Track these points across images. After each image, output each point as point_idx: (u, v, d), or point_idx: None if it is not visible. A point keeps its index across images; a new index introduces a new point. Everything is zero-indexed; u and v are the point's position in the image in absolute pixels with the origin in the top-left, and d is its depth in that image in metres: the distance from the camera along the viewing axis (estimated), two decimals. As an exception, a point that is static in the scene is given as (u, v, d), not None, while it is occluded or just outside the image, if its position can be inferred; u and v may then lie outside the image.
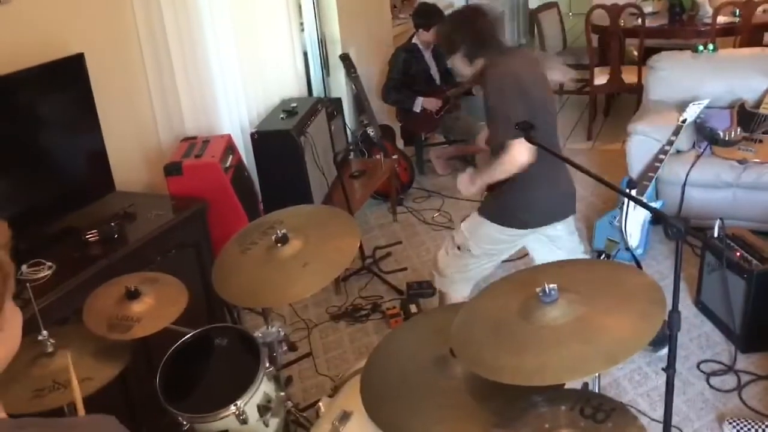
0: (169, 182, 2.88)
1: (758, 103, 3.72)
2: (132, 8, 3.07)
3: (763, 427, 2.37)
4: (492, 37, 2.42)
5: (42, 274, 2.13)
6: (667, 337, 1.63)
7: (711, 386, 2.66)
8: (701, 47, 4.08)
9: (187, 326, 2.02)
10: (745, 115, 3.69)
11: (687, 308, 3.11)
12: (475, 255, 2.57)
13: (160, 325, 1.82)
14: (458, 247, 2.61)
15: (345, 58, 4.50)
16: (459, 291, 2.68)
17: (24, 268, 2.14)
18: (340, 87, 4.69)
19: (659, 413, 2.50)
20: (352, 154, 4.47)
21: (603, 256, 3.48)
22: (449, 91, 4.80)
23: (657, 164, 3.51)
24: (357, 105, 4.74)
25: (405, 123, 4.98)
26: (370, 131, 4.43)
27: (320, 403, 1.92)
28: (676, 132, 3.55)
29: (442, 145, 5.17)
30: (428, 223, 4.28)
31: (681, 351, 2.85)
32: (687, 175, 3.56)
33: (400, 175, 4.58)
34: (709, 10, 5.28)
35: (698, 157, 3.63)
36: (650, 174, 3.50)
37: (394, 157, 4.50)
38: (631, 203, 3.46)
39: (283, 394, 2.06)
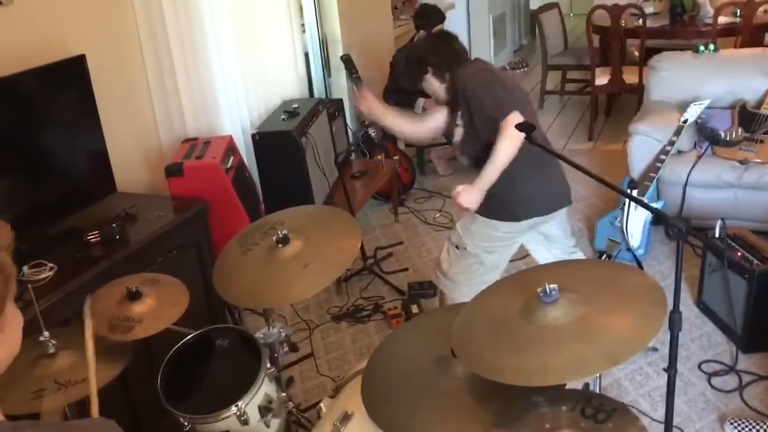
0: (170, 183, 2.89)
1: (759, 104, 3.72)
2: (133, 9, 3.07)
3: (765, 427, 2.37)
4: (457, 53, 2.54)
5: (43, 275, 2.14)
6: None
7: (712, 386, 2.65)
8: (702, 48, 4.08)
9: (188, 327, 2.02)
10: (746, 116, 3.69)
11: (688, 308, 3.11)
12: (472, 253, 2.56)
13: (161, 325, 1.82)
14: (456, 247, 2.61)
15: (346, 59, 4.50)
16: (464, 294, 2.62)
17: (25, 269, 2.15)
18: (342, 88, 4.69)
19: (660, 414, 2.50)
20: (353, 154, 4.47)
21: (604, 256, 3.48)
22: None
23: (658, 164, 3.51)
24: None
25: (406, 124, 4.97)
26: (372, 132, 4.42)
27: (321, 404, 1.92)
28: (678, 132, 3.55)
29: (444, 145, 5.16)
30: (430, 224, 4.28)
31: (682, 351, 2.85)
32: (688, 175, 3.56)
33: (402, 175, 4.58)
34: (710, 11, 5.27)
35: (699, 157, 3.63)
36: (651, 174, 3.50)
37: (396, 157, 4.50)
38: (633, 204, 3.46)
39: (284, 394, 2.06)
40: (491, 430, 1.45)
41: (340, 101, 4.35)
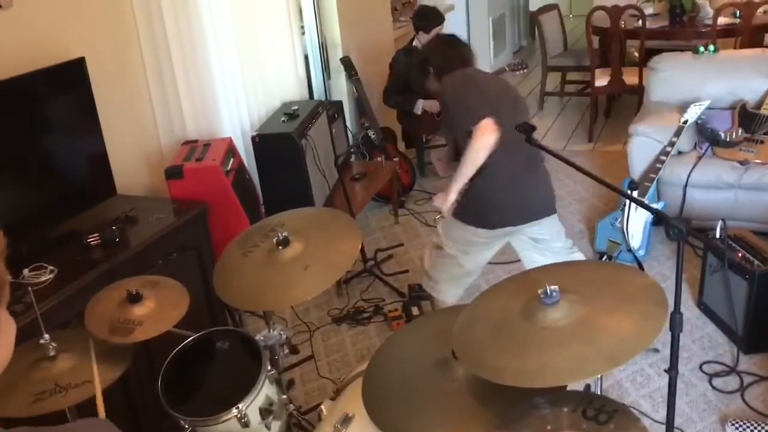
0: (170, 185, 2.89)
1: (759, 104, 3.72)
2: (132, 12, 3.07)
3: (766, 428, 2.37)
4: (458, 58, 2.55)
5: (44, 278, 2.13)
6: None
7: (713, 387, 2.65)
8: (702, 48, 4.08)
9: (188, 329, 2.01)
10: (747, 116, 3.69)
11: (689, 309, 3.11)
12: (450, 254, 2.60)
13: (161, 328, 1.82)
14: (437, 247, 2.68)
15: (346, 61, 4.51)
16: (444, 293, 2.69)
17: (25, 271, 2.14)
18: (341, 90, 4.69)
19: (662, 415, 2.50)
20: (353, 156, 4.47)
21: (605, 257, 3.48)
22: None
23: (658, 165, 3.51)
24: (358, 108, 4.74)
25: (406, 125, 4.99)
26: (371, 134, 4.44)
27: (322, 406, 1.92)
28: (678, 133, 3.55)
29: (443, 147, 5.16)
30: (430, 226, 4.27)
31: (683, 352, 2.84)
32: (688, 176, 3.56)
33: (402, 177, 4.59)
34: (710, 12, 5.28)
35: (699, 158, 3.63)
36: (651, 175, 3.50)
37: (396, 159, 4.50)
38: (633, 205, 3.46)
39: (285, 397, 2.05)
40: (492, 432, 1.45)
41: (339, 103, 4.36)
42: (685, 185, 3.58)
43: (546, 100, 6.32)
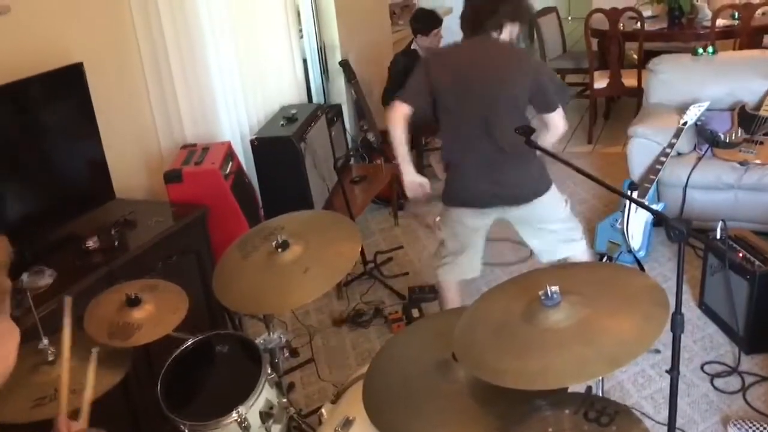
0: (169, 189, 2.88)
1: (758, 105, 3.72)
2: (131, 15, 3.08)
3: (769, 429, 2.36)
4: (466, 23, 2.58)
5: (43, 282, 2.13)
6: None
7: (715, 388, 2.64)
8: (701, 50, 4.08)
9: (188, 333, 2.01)
10: (746, 117, 3.69)
11: (690, 310, 3.10)
12: (444, 236, 2.75)
13: (161, 332, 1.81)
14: (438, 229, 2.84)
15: (344, 65, 4.51)
16: (444, 273, 2.78)
17: (25, 276, 2.14)
18: (340, 93, 4.70)
19: (663, 416, 2.49)
20: (352, 159, 4.47)
21: (605, 258, 3.48)
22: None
23: (658, 167, 3.51)
24: (357, 111, 4.74)
25: (405, 128, 4.97)
26: (371, 137, 4.44)
27: (323, 410, 1.91)
28: (677, 134, 3.55)
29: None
30: (429, 228, 4.27)
31: (685, 353, 2.84)
32: (688, 177, 3.56)
33: (401, 179, 4.57)
34: (708, 13, 5.28)
35: (699, 159, 3.63)
36: (651, 176, 3.50)
37: (395, 161, 4.49)
38: (633, 206, 3.46)
39: (285, 400, 2.05)
40: (494, 434, 1.44)
41: (338, 106, 4.36)
42: (685, 186, 3.58)
43: (545, 102, 6.31)
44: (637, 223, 3.46)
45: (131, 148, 3.10)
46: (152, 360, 2.27)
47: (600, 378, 1.71)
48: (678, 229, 1.53)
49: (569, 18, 9.94)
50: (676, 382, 1.66)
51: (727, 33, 5.13)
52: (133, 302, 1.84)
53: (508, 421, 1.46)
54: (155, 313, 1.85)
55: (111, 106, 2.88)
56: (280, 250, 1.95)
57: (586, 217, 4.03)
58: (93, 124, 2.61)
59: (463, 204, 2.63)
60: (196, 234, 2.72)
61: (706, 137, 3.70)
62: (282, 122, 3.62)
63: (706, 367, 2.76)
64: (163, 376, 1.93)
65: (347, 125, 4.55)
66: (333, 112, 4.16)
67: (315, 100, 4.53)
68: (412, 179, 2.71)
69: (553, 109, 2.48)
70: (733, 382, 2.66)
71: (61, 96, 2.51)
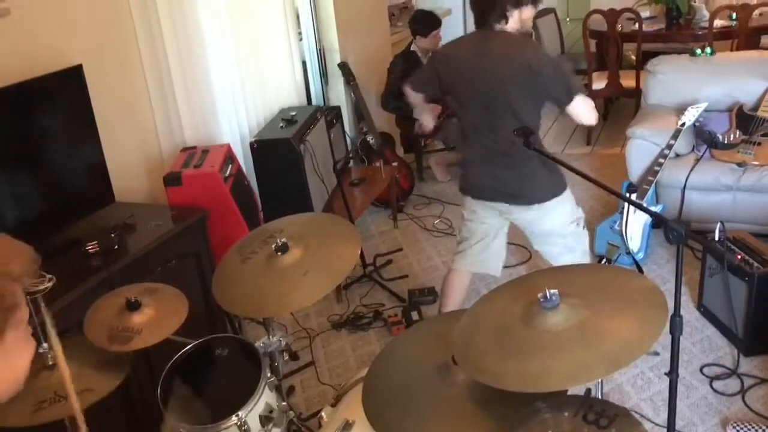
0: (168, 192, 2.88)
1: (756, 106, 3.73)
2: (131, 18, 3.08)
3: (767, 430, 2.36)
4: (473, 16, 2.53)
5: (42, 287, 2.12)
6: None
7: (714, 390, 2.65)
8: (699, 51, 4.09)
9: (188, 337, 2.01)
10: (744, 118, 3.69)
11: (689, 312, 3.11)
12: (462, 224, 2.82)
13: (160, 336, 1.82)
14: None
15: (343, 67, 4.52)
16: (457, 261, 2.83)
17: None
18: (339, 95, 4.70)
19: (663, 418, 2.49)
20: (351, 161, 4.47)
21: (604, 260, 3.48)
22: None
23: (656, 168, 3.51)
24: (356, 113, 4.74)
25: (405, 130, 4.99)
26: (370, 139, 4.44)
27: (322, 413, 1.92)
28: (675, 136, 3.55)
29: (442, 151, 5.17)
30: (429, 230, 4.28)
31: (684, 355, 2.84)
32: (687, 178, 3.56)
33: (400, 182, 4.58)
34: (706, 14, 5.29)
35: (698, 160, 3.63)
36: (650, 178, 3.50)
37: (394, 164, 4.50)
38: (632, 207, 3.46)
39: (285, 404, 2.05)
40: (493, 437, 1.44)
41: (338, 108, 4.36)
42: (684, 188, 3.58)
43: (544, 103, 6.32)
44: (636, 224, 3.47)
45: (131, 151, 3.11)
46: (152, 364, 2.27)
47: (599, 380, 1.71)
48: (676, 230, 1.54)
49: (567, 19, 9.95)
50: (675, 385, 1.67)
51: (724, 34, 5.14)
52: (133, 306, 1.85)
53: (507, 423, 1.46)
54: (155, 316, 1.85)
55: (111, 108, 2.88)
56: (279, 253, 1.95)
57: (586, 219, 4.03)
58: (92, 127, 2.61)
59: (470, 194, 2.70)
60: (195, 237, 2.72)
61: (704, 138, 3.71)
62: (281, 124, 3.62)
63: (705, 370, 2.76)
64: (163, 380, 1.93)
65: (346, 127, 4.56)
66: (332, 115, 4.16)
67: (314, 102, 4.53)
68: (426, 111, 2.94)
69: (565, 102, 2.43)
70: (732, 385, 2.66)
71: (60, 98, 2.51)
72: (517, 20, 2.47)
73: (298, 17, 4.30)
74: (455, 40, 2.73)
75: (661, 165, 3.51)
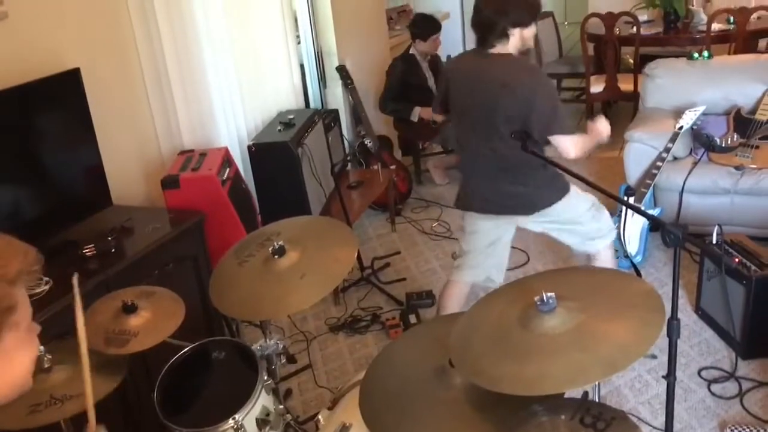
0: (166, 196, 2.88)
1: (754, 110, 3.73)
2: (130, 20, 3.08)
3: (766, 434, 2.36)
4: (476, 32, 2.52)
5: (39, 290, 2.12)
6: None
7: (712, 393, 2.64)
8: (696, 54, 4.09)
9: (186, 340, 2.00)
10: (742, 122, 3.70)
11: (687, 315, 3.11)
12: (462, 239, 2.78)
13: (157, 339, 1.81)
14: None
15: (341, 70, 4.52)
16: (455, 272, 2.81)
17: (20, 283, 2.13)
18: (337, 98, 4.70)
19: (660, 421, 2.49)
20: (349, 164, 4.48)
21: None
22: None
23: (654, 171, 3.51)
24: (354, 116, 4.75)
25: (402, 133, 4.99)
26: (368, 142, 4.44)
27: (319, 416, 1.91)
28: (673, 139, 3.55)
29: (440, 154, 5.17)
30: (427, 233, 4.28)
31: (681, 358, 2.84)
32: (684, 181, 3.56)
33: (398, 185, 4.59)
34: (704, 18, 5.30)
35: (695, 163, 3.64)
36: (648, 181, 3.51)
37: (392, 167, 4.51)
38: (629, 211, 3.46)
39: (282, 407, 2.04)
40: (490, 441, 1.44)
41: (335, 112, 4.36)
42: (681, 191, 3.58)
43: (542, 107, 6.32)
44: (634, 228, 3.47)
45: (129, 155, 3.10)
46: (149, 367, 2.26)
47: (596, 383, 1.71)
48: (674, 234, 1.54)
49: (565, 23, 9.93)
50: (673, 388, 1.67)
51: (722, 37, 5.15)
52: (130, 309, 1.84)
53: (504, 426, 1.46)
54: (152, 319, 1.85)
55: (109, 112, 2.87)
56: (276, 256, 1.95)
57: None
58: (90, 130, 2.61)
59: (472, 209, 2.68)
60: (193, 240, 2.72)
61: (702, 142, 3.71)
62: (279, 128, 3.62)
63: (703, 373, 2.76)
64: (159, 383, 1.93)
65: (344, 130, 4.56)
66: (330, 118, 4.16)
67: (312, 105, 4.54)
68: None
69: (548, 133, 2.39)
70: (730, 388, 2.66)
71: (58, 102, 2.51)
72: (518, 39, 2.47)
73: (296, 20, 4.31)
74: (461, 55, 2.78)
75: (658, 168, 3.51)
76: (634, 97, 4.96)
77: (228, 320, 2.91)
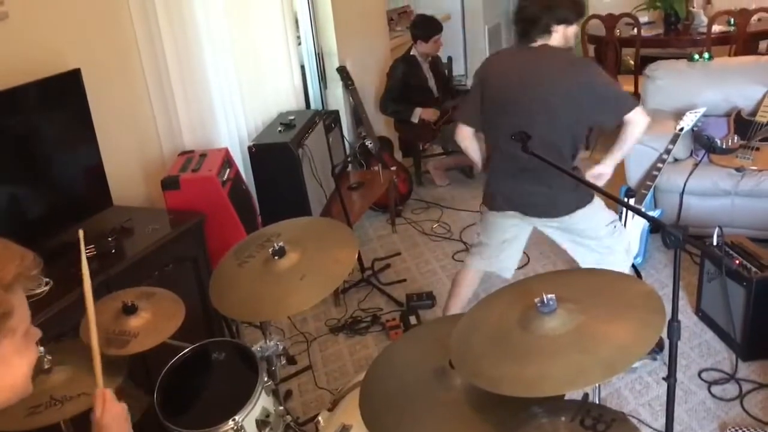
0: (166, 196, 2.88)
1: (755, 111, 3.73)
2: (132, 23, 3.08)
3: (766, 436, 2.36)
4: (515, 30, 2.57)
5: (39, 290, 2.12)
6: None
7: (713, 395, 2.64)
8: (697, 56, 4.09)
9: (185, 340, 2.00)
10: (742, 123, 3.70)
11: (687, 317, 3.10)
12: (479, 228, 2.85)
13: (157, 340, 1.81)
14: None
15: (342, 71, 4.52)
16: (469, 258, 2.89)
17: (20, 283, 2.13)
18: (338, 99, 4.70)
19: (661, 423, 2.49)
20: (350, 166, 4.48)
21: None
22: (447, 101, 4.82)
23: (655, 173, 3.51)
24: (355, 117, 4.75)
25: (403, 134, 4.99)
26: (368, 143, 4.44)
27: (319, 417, 1.91)
28: (674, 141, 3.55)
29: (441, 155, 5.17)
30: (427, 234, 4.28)
31: (682, 360, 2.84)
32: (685, 183, 3.56)
33: (399, 186, 4.59)
34: (705, 20, 5.30)
35: (696, 165, 3.64)
36: (648, 183, 3.51)
37: (393, 168, 4.51)
38: (630, 212, 3.46)
39: (282, 408, 2.04)
40: (490, 442, 1.44)
41: (336, 113, 4.36)
42: (682, 192, 3.58)
43: (542, 108, 6.32)
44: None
45: (129, 155, 3.10)
46: (149, 368, 2.26)
47: (596, 385, 1.71)
48: (674, 235, 1.54)
49: (566, 24, 9.96)
50: (674, 390, 1.67)
51: (723, 39, 5.15)
52: (130, 310, 1.84)
53: (504, 428, 1.45)
54: (152, 320, 1.85)
55: (110, 112, 2.87)
56: (276, 257, 1.95)
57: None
58: (91, 131, 2.61)
59: (496, 208, 2.69)
60: (193, 241, 2.72)
61: (702, 143, 3.71)
62: (280, 128, 3.62)
63: (703, 374, 2.75)
64: (159, 384, 1.92)
65: (345, 131, 4.56)
66: (331, 119, 4.16)
67: (313, 106, 4.54)
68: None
69: (623, 113, 2.41)
70: (731, 389, 2.66)
71: (58, 102, 2.51)
72: (561, 36, 2.48)
73: (296, 21, 4.31)
74: (495, 55, 2.73)
75: (659, 170, 3.51)
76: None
77: (228, 321, 2.91)
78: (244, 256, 2.05)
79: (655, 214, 3.50)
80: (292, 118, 3.73)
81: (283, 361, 2.21)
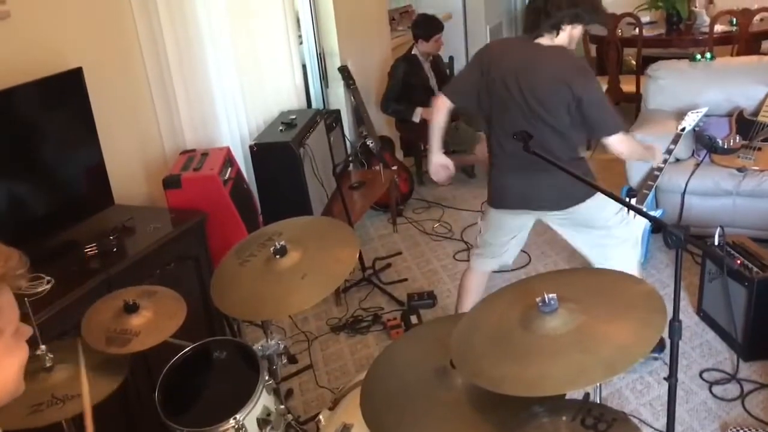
0: (167, 195, 2.88)
1: (756, 111, 3.73)
2: (134, 22, 3.08)
3: (767, 436, 2.36)
4: (524, 20, 2.56)
5: (40, 289, 2.12)
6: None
7: (714, 395, 2.64)
8: (699, 56, 4.09)
9: (187, 339, 2.01)
10: (744, 123, 3.70)
11: (688, 317, 3.10)
12: (482, 226, 2.82)
13: (158, 338, 1.81)
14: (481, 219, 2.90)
15: (343, 70, 4.52)
16: (473, 260, 2.87)
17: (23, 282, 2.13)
18: (339, 99, 4.70)
19: (662, 423, 2.49)
20: (351, 165, 4.48)
21: (603, 265, 3.47)
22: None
23: (656, 173, 3.51)
24: (356, 116, 4.75)
25: (404, 133, 4.99)
26: (370, 142, 4.44)
27: (320, 416, 1.91)
28: (675, 140, 3.55)
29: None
30: (428, 234, 4.28)
31: (683, 360, 2.84)
32: (686, 183, 3.56)
33: (400, 185, 4.59)
34: (707, 20, 5.30)
35: (697, 165, 3.63)
36: (650, 183, 3.50)
37: (394, 167, 4.51)
38: (631, 212, 3.45)
39: (283, 407, 2.04)
40: (491, 442, 1.44)
41: (337, 112, 4.36)
42: (684, 192, 3.58)
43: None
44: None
45: (131, 154, 3.10)
46: (150, 366, 2.26)
47: (598, 385, 1.71)
48: (676, 235, 1.54)
49: (568, 24, 9.95)
50: (675, 390, 1.66)
51: (725, 39, 5.14)
52: (131, 309, 1.84)
53: (505, 428, 1.45)
54: (153, 319, 1.85)
55: (111, 111, 2.87)
56: (278, 256, 1.95)
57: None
58: (92, 130, 2.61)
59: (500, 207, 2.68)
60: (194, 240, 2.72)
61: (704, 143, 3.71)
62: (281, 128, 3.63)
63: (704, 374, 2.75)
64: (160, 383, 1.93)
65: (346, 131, 4.56)
66: (332, 118, 4.16)
67: (314, 105, 4.54)
68: (436, 161, 2.80)
69: (602, 134, 2.43)
70: (732, 390, 2.66)
71: (60, 102, 2.51)
72: (568, 35, 2.46)
73: (298, 20, 4.31)
74: (503, 40, 2.74)
75: (661, 170, 3.50)
76: (636, 98, 4.96)
77: (229, 320, 2.91)
78: (245, 255, 2.05)
79: (656, 214, 3.49)
80: (293, 117, 3.73)
81: (284, 360, 2.21)
